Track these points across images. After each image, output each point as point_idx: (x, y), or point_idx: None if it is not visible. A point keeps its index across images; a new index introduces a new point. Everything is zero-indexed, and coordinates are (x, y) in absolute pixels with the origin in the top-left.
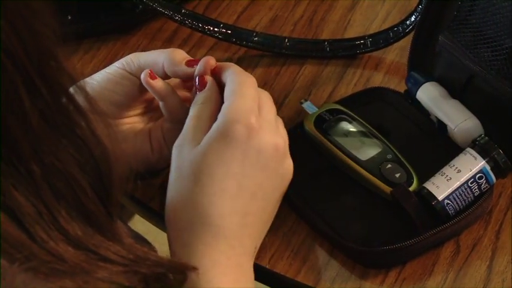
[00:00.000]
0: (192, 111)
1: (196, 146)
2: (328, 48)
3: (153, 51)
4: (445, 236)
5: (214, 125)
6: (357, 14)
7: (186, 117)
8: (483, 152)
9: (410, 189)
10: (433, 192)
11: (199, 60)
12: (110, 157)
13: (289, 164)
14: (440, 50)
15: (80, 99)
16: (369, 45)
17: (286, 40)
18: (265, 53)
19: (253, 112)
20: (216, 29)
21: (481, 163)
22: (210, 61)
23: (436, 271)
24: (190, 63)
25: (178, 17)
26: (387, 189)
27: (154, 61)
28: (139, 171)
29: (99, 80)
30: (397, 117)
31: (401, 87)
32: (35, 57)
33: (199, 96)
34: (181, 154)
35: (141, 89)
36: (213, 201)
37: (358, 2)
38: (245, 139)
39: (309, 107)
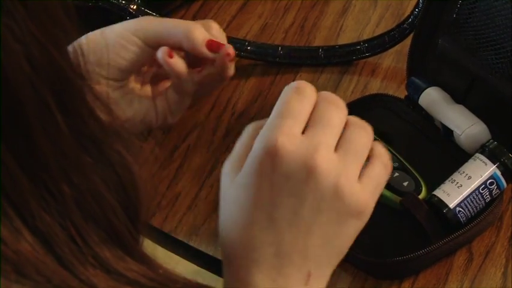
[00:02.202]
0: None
1: (234, 178)
2: (322, 55)
3: (169, 22)
4: (458, 244)
5: (250, 153)
6: (349, 19)
7: (193, 90)
8: (493, 157)
9: (420, 197)
10: (444, 200)
11: (219, 44)
12: (135, 176)
13: (323, 180)
14: (440, 54)
15: (102, 115)
16: (365, 51)
17: (280, 48)
18: (258, 62)
19: (282, 133)
20: None
21: (491, 168)
22: (230, 54)
23: (451, 280)
24: (211, 47)
25: None
26: (396, 198)
27: (171, 35)
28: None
29: (107, 41)
30: (400, 124)
31: (400, 93)
32: (62, 75)
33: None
34: (224, 184)
35: (149, 57)
36: (242, 235)
37: (349, 6)
38: (269, 164)
39: None
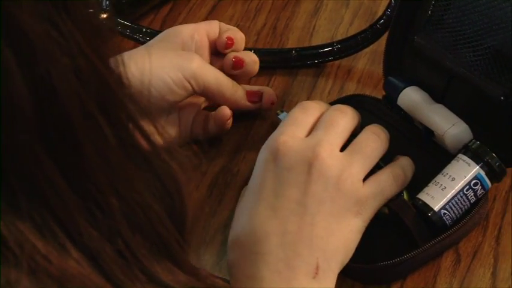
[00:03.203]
0: None
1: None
2: (296, 57)
3: (222, 78)
4: (444, 246)
5: None
6: (321, 19)
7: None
8: (476, 158)
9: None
10: (429, 203)
11: (259, 94)
12: (181, 184)
13: (326, 170)
14: (417, 52)
15: (145, 124)
16: (338, 52)
17: (252, 51)
18: None
19: (284, 134)
20: None
21: (475, 169)
22: (274, 102)
23: (439, 282)
24: (253, 100)
25: (139, 36)
26: None
27: (220, 92)
28: None
29: (157, 81)
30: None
31: (377, 93)
32: (106, 87)
33: None
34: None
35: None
36: (246, 229)
37: (321, 6)
38: (272, 161)
39: None
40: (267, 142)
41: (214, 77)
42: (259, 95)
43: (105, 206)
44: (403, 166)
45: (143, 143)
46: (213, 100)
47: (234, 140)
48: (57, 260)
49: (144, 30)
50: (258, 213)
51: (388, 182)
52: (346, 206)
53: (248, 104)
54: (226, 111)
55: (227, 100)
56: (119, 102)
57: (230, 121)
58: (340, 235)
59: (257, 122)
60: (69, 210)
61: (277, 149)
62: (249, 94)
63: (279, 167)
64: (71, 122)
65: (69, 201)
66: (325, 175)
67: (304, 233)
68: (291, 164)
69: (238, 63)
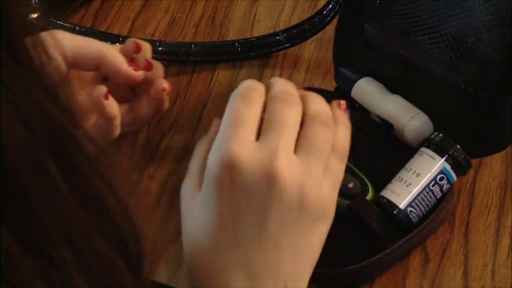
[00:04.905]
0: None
1: (195, 197)
2: (239, 50)
3: (82, 39)
4: (411, 245)
5: (206, 170)
6: (262, 7)
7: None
8: (440, 150)
9: (367, 198)
10: (393, 201)
11: (148, 63)
12: (136, 225)
13: (287, 190)
14: (368, 41)
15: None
16: (284, 41)
17: (194, 46)
18: (171, 62)
19: (234, 140)
20: (116, 43)
21: (440, 162)
22: (166, 89)
23: (409, 285)
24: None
25: None
26: (343, 202)
27: (88, 54)
28: None
29: None
30: None
31: (327, 83)
32: (58, 128)
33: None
34: (185, 205)
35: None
36: (207, 259)
37: None
38: (227, 183)
39: None
40: (217, 149)
41: (73, 39)
42: (149, 65)
43: (58, 261)
44: (339, 138)
45: (97, 183)
46: (89, 67)
47: (179, 143)
48: None
49: (77, 29)
50: (219, 243)
51: (338, 168)
52: (313, 216)
53: (129, 70)
54: (102, 88)
55: (102, 63)
56: (73, 143)
57: (111, 102)
58: (307, 251)
59: (202, 121)
60: (21, 271)
61: (232, 164)
62: (131, 61)
63: (236, 187)
64: (20, 177)
65: (21, 261)
66: (288, 194)
67: (270, 259)
68: (248, 184)
69: (149, 64)
